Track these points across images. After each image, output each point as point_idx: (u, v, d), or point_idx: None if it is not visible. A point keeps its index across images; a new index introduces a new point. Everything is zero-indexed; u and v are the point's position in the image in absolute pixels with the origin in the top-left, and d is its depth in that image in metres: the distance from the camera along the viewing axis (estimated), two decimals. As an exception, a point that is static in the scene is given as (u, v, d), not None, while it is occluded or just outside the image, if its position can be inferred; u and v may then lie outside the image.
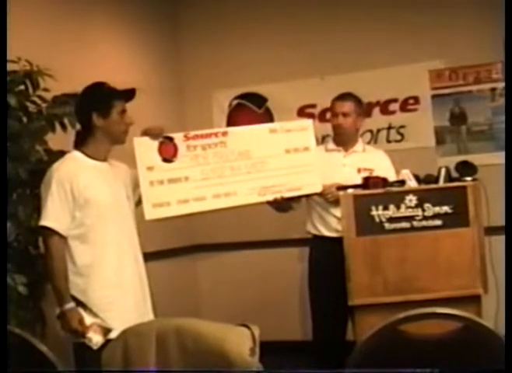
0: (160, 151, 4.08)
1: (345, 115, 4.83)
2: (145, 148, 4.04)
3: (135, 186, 3.98)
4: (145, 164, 4.01)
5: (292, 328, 6.43)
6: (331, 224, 4.79)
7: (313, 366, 4.89)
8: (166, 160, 4.10)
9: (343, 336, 4.80)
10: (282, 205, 4.60)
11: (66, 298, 3.63)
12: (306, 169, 4.59)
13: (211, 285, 6.83)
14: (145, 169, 4.01)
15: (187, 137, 4.21)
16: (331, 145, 4.97)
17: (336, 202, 4.61)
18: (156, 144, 4.07)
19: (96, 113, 3.76)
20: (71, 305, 3.62)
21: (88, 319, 3.63)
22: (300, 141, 4.60)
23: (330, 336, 4.79)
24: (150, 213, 4.02)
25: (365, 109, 5.29)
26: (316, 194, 4.69)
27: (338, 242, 4.47)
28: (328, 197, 4.67)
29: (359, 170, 4.77)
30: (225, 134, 4.37)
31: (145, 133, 4.05)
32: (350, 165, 4.85)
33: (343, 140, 4.91)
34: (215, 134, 4.34)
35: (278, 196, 4.47)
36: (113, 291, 3.73)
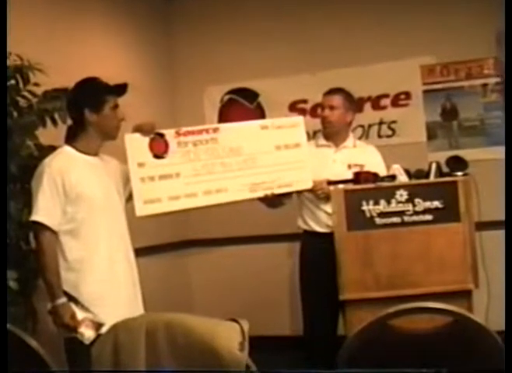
0: (151, 147, 4.07)
1: (331, 108, 4.83)
2: (136, 145, 4.03)
3: (126, 181, 3.97)
4: (136, 160, 4.00)
5: (283, 323, 6.43)
6: (321, 219, 4.80)
7: (303, 361, 4.90)
8: (157, 156, 4.09)
9: (334, 330, 4.80)
10: (273, 201, 4.61)
11: (58, 293, 3.62)
12: (297, 165, 4.59)
13: (202, 280, 6.82)
14: (136, 165, 4.00)
15: (178, 134, 4.20)
16: (321, 141, 4.97)
17: (327, 198, 4.61)
18: (147, 140, 4.06)
19: (88, 109, 3.74)
20: (63, 300, 3.62)
21: (80, 314, 3.62)
22: (291, 138, 4.60)
23: (321, 331, 4.80)
24: (141, 209, 4.01)
25: (356, 105, 5.28)
26: (306, 191, 4.70)
27: (328, 237, 4.48)
28: (319, 193, 4.67)
29: (349, 166, 4.77)
30: (216, 130, 4.36)
31: (137, 129, 4.04)
32: (340, 161, 4.84)
33: (331, 134, 4.91)
34: (207, 131, 4.33)
35: (269, 192, 4.47)
36: (104, 286, 3.73)
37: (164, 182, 4.12)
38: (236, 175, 4.38)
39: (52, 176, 3.64)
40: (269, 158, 4.50)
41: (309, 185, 4.63)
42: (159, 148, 4.10)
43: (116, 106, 3.81)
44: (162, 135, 4.12)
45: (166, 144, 4.14)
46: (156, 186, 4.08)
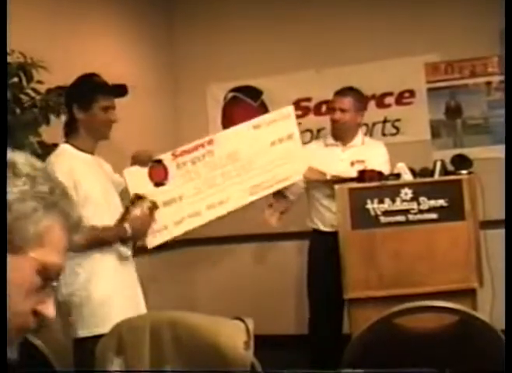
0: (151, 176, 4.03)
1: (342, 111, 4.82)
2: (136, 177, 3.99)
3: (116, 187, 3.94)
4: (138, 192, 3.98)
5: (288, 322, 6.42)
6: (327, 218, 4.79)
7: (308, 360, 4.89)
8: (158, 184, 4.06)
9: (339, 329, 4.80)
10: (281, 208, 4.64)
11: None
12: (291, 157, 4.56)
13: (207, 278, 6.81)
14: None
15: (175, 156, 4.16)
16: (330, 140, 4.96)
17: (326, 182, 4.63)
18: (145, 170, 4.03)
19: (76, 105, 3.71)
20: None
21: None
22: (284, 130, 4.57)
23: (326, 330, 4.79)
24: (151, 241, 4.00)
25: (366, 103, 5.25)
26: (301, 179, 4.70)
27: (334, 236, 4.48)
28: (307, 175, 4.64)
29: (352, 163, 4.76)
30: (210, 142, 4.30)
31: (134, 160, 4.01)
32: (347, 160, 4.84)
33: (341, 134, 4.90)
34: (202, 145, 4.28)
35: (269, 191, 4.46)
36: (113, 284, 3.70)
37: (169, 208, 4.09)
38: (235, 182, 4.35)
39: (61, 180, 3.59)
40: (265, 156, 4.48)
41: (300, 175, 4.62)
42: (159, 176, 4.06)
43: (108, 108, 3.75)
44: (159, 161, 4.08)
45: (166, 170, 4.10)
46: (162, 213, 4.04)
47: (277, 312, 6.40)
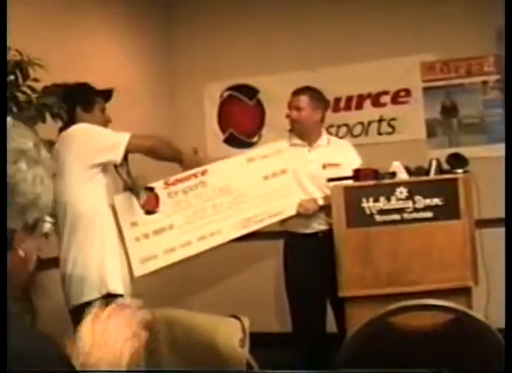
0: (142, 204, 4.02)
1: (298, 109, 4.79)
2: (127, 204, 3.97)
3: None
4: (128, 220, 3.95)
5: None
6: (305, 221, 4.76)
7: (294, 359, 4.87)
8: (149, 212, 4.04)
9: (323, 328, 4.78)
10: None
11: None
12: (285, 192, 4.57)
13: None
14: (129, 225, 3.96)
15: (167, 184, 4.13)
16: (295, 140, 4.91)
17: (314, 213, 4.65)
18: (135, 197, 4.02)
19: (80, 106, 3.94)
20: None
21: None
22: (277, 165, 4.58)
23: (309, 330, 4.76)
24: (139, 269, 3.98)
25: (326, 102, 5.15)
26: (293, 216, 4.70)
27: (311, 237, 4.51)
28: (301, 211, 4.65)
29: (324, 166, 4.74)
30: (204, 172, 4.29)
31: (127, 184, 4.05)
32: (316, 161, 4.80)
33: (303, 133, 4.87)
34: (195, 175, 4.25)
35: (261, 225, 4.48)
36: (102, 256, 3.86)
37: (158, 237, 4.07)
38: (227, 214, 4.32)
39: None
40: (258, 189, 4.47)
41: (293, 211, 4.64)
42: (150, 204, 4.03)
43: (104, 109, 4.01)
44: (151, 189, 4.06)
45: (157, 198, 4.08)
46: (151, 242, 4.02)
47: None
